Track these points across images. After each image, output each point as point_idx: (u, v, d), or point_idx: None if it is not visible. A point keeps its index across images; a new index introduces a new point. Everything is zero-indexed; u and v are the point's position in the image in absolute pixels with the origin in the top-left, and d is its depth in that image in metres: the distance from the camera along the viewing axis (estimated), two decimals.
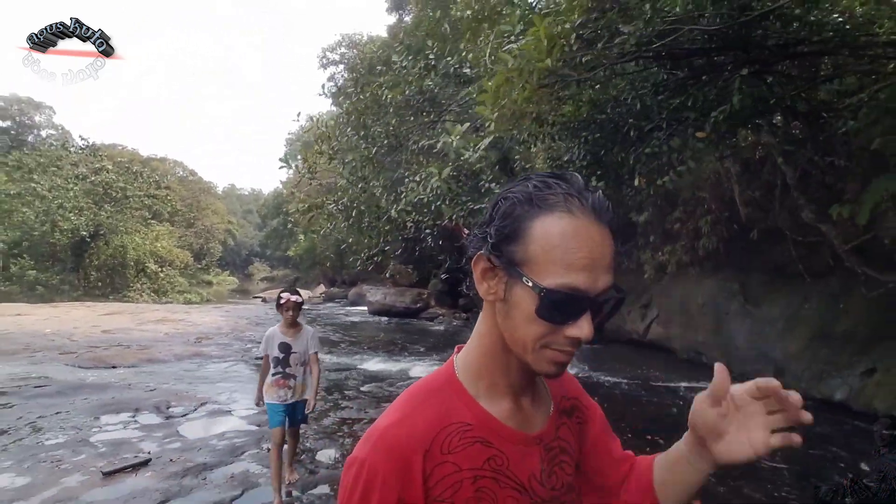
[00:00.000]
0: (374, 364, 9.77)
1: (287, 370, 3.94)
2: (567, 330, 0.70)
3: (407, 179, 6.29)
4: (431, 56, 6.32)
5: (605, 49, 3.62)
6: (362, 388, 7.78)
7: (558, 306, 0.69)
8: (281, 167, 10.17)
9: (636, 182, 5.10)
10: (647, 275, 11.18)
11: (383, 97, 6.41)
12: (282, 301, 3.98)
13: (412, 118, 6.62)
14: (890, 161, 5.56)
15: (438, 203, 6.27)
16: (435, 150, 5.21)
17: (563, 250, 0.68)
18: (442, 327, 16.01)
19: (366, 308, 20.02)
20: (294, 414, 4.02)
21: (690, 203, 10.58)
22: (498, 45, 3.96)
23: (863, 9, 5.03)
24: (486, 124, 3.69)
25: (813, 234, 8.30)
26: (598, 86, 6.17)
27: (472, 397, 0.79)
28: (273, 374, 3.94)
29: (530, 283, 0.69)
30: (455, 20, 5.98)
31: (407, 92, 6.41)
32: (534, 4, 4.10)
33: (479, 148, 4.13)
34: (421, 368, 9.38)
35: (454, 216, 6.13)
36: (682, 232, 10.65)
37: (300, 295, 4.11)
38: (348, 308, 23.05)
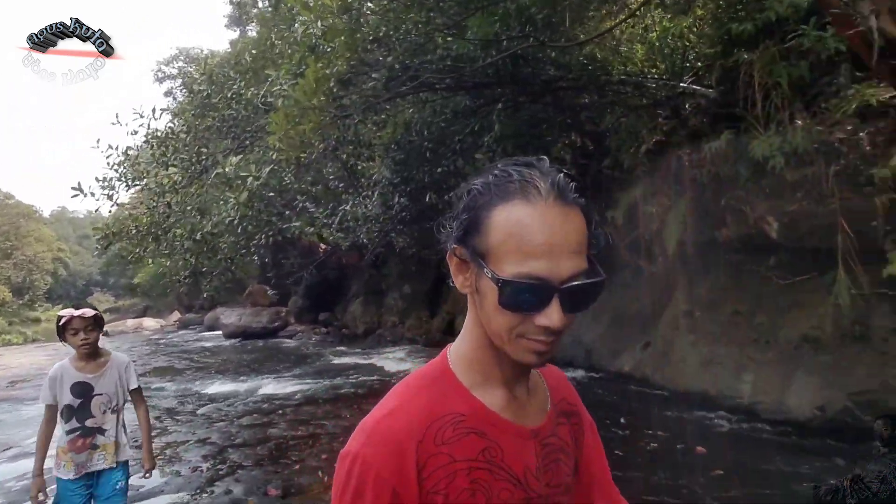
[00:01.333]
0: (217, 387, 9.54)
1: (88, 422, 2.70)
2: (536, 318, 0.68)
3: (221, 202, 6.47)
4: (235, 86, 6.59)
5: (365, 90, 4.24)
6: (199, 412, 7.64)
7: (519, 296, 0.67)
8: (74, 195, 8.60)
9: (427, 199, 5.83)
10: None
11: (185, 125, 6.53)
12: (62, 321, 2.67)
13: (228, 142, 6.77)
14: (632, 174, 6.95)
15: (245, 224, 6.50)
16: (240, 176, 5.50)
17: (519, 239, 0.66)
18: (297, 343, 15.89)
19: (221, 332, 19.15)
20: (104, 488, 2.75)
21: None
22: (279, 82, 4.40)
23: (601, 55, 6.28)
24: (270, 153, 4.10)
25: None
26: (411, 110, 6.89)
27: (466, 388, 0.77)
28: (67, 433, 2.69)
29: (489, 274, 0.68)
30: (260, 52, 6.37)
31: (213, 120, 6.60)
32: (314, 46, 4.59)
33: (260, 175, 4.51)
34: (271, 387, 9.33)
35: (262, 236, 6.44)
36: None
37: (95, 309, 2.77)
38: (203, 334, 21.78)
